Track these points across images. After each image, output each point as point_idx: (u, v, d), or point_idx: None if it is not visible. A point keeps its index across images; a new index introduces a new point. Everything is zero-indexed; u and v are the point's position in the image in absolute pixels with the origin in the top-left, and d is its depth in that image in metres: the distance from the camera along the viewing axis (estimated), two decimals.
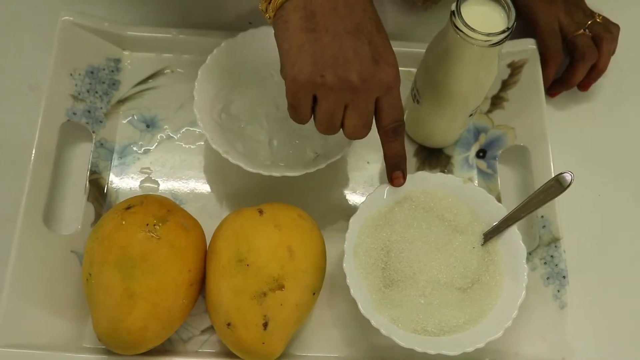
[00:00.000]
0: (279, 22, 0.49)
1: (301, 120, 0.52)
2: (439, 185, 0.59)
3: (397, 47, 0.68)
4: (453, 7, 0.52)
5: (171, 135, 0.66)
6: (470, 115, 0.62)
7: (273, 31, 0.63)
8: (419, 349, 0.52)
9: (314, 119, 0.52)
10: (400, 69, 0.69)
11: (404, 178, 0.57)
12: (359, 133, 0.52)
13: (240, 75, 0.64)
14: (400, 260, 0.56)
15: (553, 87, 0.71)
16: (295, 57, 0.48)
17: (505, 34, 0.51)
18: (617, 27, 0.70)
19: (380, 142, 0.55)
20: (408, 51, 0.68)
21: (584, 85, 0.71)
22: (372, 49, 0.48)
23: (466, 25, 0.51)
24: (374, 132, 0.66)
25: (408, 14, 0.73)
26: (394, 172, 0.56)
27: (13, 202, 0.58)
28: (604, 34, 0.69)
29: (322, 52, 0.47)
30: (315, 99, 0.50)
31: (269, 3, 0.49)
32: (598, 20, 0.70)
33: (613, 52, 0.71)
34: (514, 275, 0.56)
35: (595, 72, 0.70)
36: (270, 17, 0.50)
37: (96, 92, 0.66)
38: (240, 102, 0.63)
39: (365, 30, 0.48)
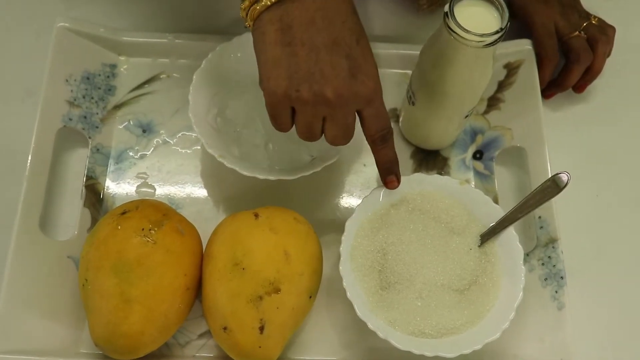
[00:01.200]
0: (257, 33, 0.48)
1: (282, 129, 0.52)
2: (435, 187, 0.59)
3: (392, 50, 0.69)
4: (446, 8, 0.52)
5: (167, 140, 0.66)
6: (466, 116, 0.62)
7: None
8: (416, 352, 0.52)
9: (295, 127, 0.52)
10: (396, 71, 0.70)
11: (398, 181, 0.57)
12: (339, 142, 0.52)
13: (235, 79, 0.64)
14: (397, 263, 0.56)
15: (548, 89, 0.71)
16: (271, 71, 0.48)
17: (499, 35, 0.51)
18: (612, 28, 0.70)
19: (366, 142, 0.54)
20: (404, 53, 0.68)
21: (579, 87, 0.71)
22: (350, 62, 0.47)
23: (459, 26, 0.51)
24: None
25: (414, 16, 0.73)
26: (387, 177, 0.56)
27: (9, 208, 0.58)
28: (600, 36, 0.69)
29: (297, 67, 0.47)
30: (294, 110, 0.50)
31: (247, 12, 0.48)
32: (593, 22, 0.70)
33: (609, 54, 0.71)
34: (511, 276, 0.56)
35: (590, 74, 0.70)
36: (249, 26, 0.49)
37: (92, 98, 0.66)
38: (236, 106, 0.63)
39: (343, 43, 0.47)
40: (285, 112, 0.50)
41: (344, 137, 0.52)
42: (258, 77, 0.64)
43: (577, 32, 0.69)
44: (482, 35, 0.51)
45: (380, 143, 0.53)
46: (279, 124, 0.51)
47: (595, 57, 0.69)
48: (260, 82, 0.49)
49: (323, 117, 0.50)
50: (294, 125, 0.52)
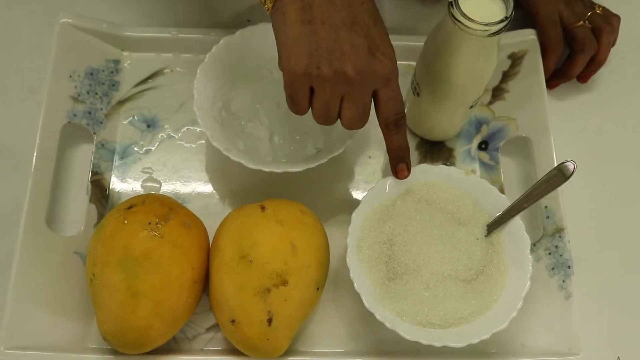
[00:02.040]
0: (277, 14, 0.49)
1: (299, 111, 0.52)
2: (441, 178, 0.59)
3: (397, 41, 0.68)
4: None
5: (172, 134, 0.66)
6: (471, 107, 0.62)
7: (271, 28, 0.64)
8: (424, 342, 0.52)
9: (312, 110, 0.52)
10: (400, 62, 0.69)
11: (408, 170, 0.57)
12: (356, 124, 0.52)
13: (239, 72, 0.64)
14: (403, 254, 0.56)
15: (552, 79, 0.71)
16: (292, 49, 0.48)
17: (504, 24, 0.51)
18: (617, 18, 0.70)
19: (382, 135, 0.55)
20: (408, 45, 0.68)
21: (584, 77, 0.71)
22: (369, 41, 0.48)
23: (464, 15, 0.51)
24: (374, 126, 0.67)
25: (418, 7, 0.73)
26: (398, 165, 0.56)
27: (16, 205, 0.58)
28: (604, 26, 0.69)
29: (317, 45, 0.47)
30: (312, 91, 0.50)
31: None
32: (598, 11, 0.70)
33: (613, 44, 0.70)
34: (518, 266, 0.56)
35: (594, 63, 0.70)
36: (268, 9, 0.50)
37: (96, 94, 0.66)
38: (240, 99, 0.63)
39: (362, 23, 0.48)
40: (303, 92, 0.50)
41: (361, 118, 0.52)
42: (262, 70, 0.64)
43: (581, 22, 0.69)
44: (487, 24, 0.51)
45: (394, 128, 0.53)
46: (297, 105, 0.51)
47: (600, 46, 0.69)
48: (280, 61, 0.49)
49: (341, 96, 0.50)
50: (309, 109, 0.52)
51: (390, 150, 0.56)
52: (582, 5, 0.70)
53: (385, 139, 0.55)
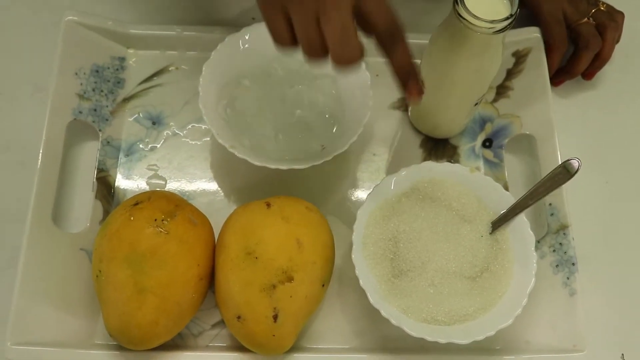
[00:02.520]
0: None
1: (281, 41, 0.47)
2: (445, 175, 0.59)
3: None
4: None
5: (177, 131, 0.67)
6: (476, 104, 0.62)
7: None
8: (429, 338, 0.52)
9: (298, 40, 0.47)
10: None
11: (418, 91, 0.48)
12: (342, 51, 0.45)
13: (244, 70, 0.64)
14: (408, 250, 0.56)
15: (557, 76, 0.71)
16: None
17: (509, 21, 0.51)
18: (621, 14, 0.70)
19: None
20: (413, 42, 0.67)
21: (588, 74, 0.71)
22: None
23: (469, 12, 0.51)
24: (377, 124, 0.67)
25: (422, 4, 0.73)
26: (405, 86, 0.48)
27: (22, 202, 0.58)
28: (608, 22, 0.69)
29: None
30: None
31: None
32: (602, 8, 0.70)
33: (618, 40, 0.70)
34: (523, 263, 0.56)
35: (599, 60, 0.70)
36: None
37: (102, 91, 0.66)
38: (245, 97, 0.63)
39: None
40: (277, 17, 0.46)
41: (343, 40, 0.45)
42: (267, 68, 0.64)
43: (585, 19, 0.69)
44: (492, 22, 0.51)
45: (390, 42, 0.47)
46: (276, 32, 0.47)
47: (604, 43, 0.69)
48: None
49: (315, 16, 0.45)
50: (292, 41, 0.48)
51: (394, 70, 0.48)
52: (586, 2, 0.70)
53: (387, 60, 0.48)
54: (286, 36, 0.47)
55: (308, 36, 0.46)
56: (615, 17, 0.69)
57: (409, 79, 0.48)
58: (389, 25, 0.47)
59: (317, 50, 0.47)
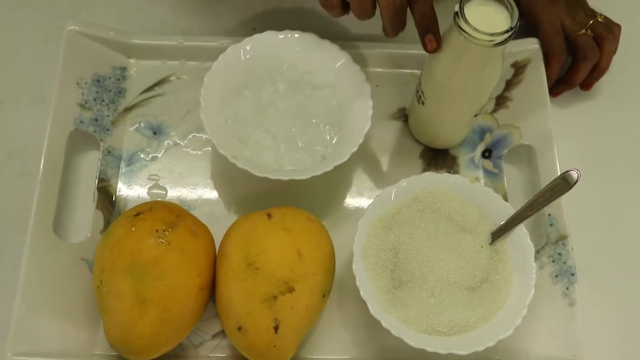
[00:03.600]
0: None
1: (333, 9, 0.57)
2: (446, 186, 0.59)
3: (402, 49, 0.69)
4: (456, 8, 0.52)
5: (178, 141, 0.67)
6: (475, 115, 0.62)
7: (277, 36, 0.64)
8: (430, 349, 0.52)
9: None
10: (405, 71, 0.71)
11: (438, 42, 0.56)
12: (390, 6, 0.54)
13: (245, 80, 0.64)
14: (409, 261, 0.56)
15: (556, 87, 0.71)
16: None
17: (509, 34, 0.52)
18: (618, 26, 0.71)
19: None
20: (413, 53, 0.69)
21: (587, 84, 0.71)
22: None
23: (470, 25, 0.51)
24: (377, 132, 0.67)
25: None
26: (425, 36, 0.55)
27: (23, 211, 0.58)
28: (606, 34, 0.69)
29: None
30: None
31: None
32: (600, 19, 0.70)
33: (615, 51, 0.71)
34: (522, 273, 0.56)
35: (597, 71, 0.70)
36: None
37: (103, 101, 0.67)
38: (247, 107, 0.63)
39: None
40: None
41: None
42: (268, 78, 0.64)
43: (583, 30, 0.70)
44: (492, 35, 0.51)
45: None
46: (328, 2, 0.56)
47: (602, 54, 0.69)
48: None
49: None
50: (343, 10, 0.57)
51: (416, 21, 0.55)
52: (584, 13, 0.71)
53: (410, 10, 0.55)
54: (338, 4, 0.56)
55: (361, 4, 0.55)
56: (612, 29, 0.70)
57: (426, 32, 0.55)
58: None
59: (367, 12, 0.56)
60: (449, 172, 0.66)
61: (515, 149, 0.68)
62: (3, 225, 0.63)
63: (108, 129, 0.66)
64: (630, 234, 0.66)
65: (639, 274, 0.64)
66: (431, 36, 0.55)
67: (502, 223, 0.58)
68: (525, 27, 0.70)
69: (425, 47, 0.56)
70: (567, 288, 0.60)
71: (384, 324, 0.52)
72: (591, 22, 0.70)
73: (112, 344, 0.53)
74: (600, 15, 0.71)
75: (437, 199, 0.59)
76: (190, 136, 0.67)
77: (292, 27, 0.65)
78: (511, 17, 0.53)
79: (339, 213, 0.64)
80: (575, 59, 0.70)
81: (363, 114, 0.61)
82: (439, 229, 0.57)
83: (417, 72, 0.69)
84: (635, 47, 0.74)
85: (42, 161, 0.60)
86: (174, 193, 0.65)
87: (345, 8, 0.57)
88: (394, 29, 0.57)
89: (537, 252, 0.60)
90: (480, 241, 0.58)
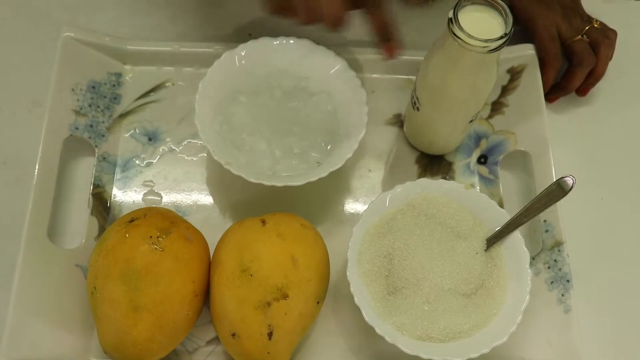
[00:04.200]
0: None
1: (272, 7, 0.56)
2: (441, 192, 0.59)
3: (397, 56, 0.69)
4: (450, 14, 0.52)
5: (173, 147, 0.67)
6: (471, 121, 0.62)
7: (273, 42, 0.64)
8: (424, 356, 0.52)
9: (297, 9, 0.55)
10: (400, 76, 0.71)
11: (397, 48, 0.57)
12: (330, 8, 0.54)
13: (240, 86, 0.64)
14: (403, 268, 0.56)
15: (551, 93, 0.71)
16: None
17: (503, 40, 0.52)
18: (614, 32, 0.71)
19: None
20: (408, 59, 0.69)
21: (583, 90, 0.71)
22: None
23: (464, 31, 0.51)
24: (373, 140, 0.67)
25: (419, 22, 0.73)
26: (384, 44, 0.57)
27: (17, 217, 0.58)
28: (602, 40, 0.69)
29: None
30: None
31: None
32: (596, 25, 0.70)
33: (611, 57, 0.71)
34: (517, 280, 0.56)
35: (593, 77, 0.70)
36: None
37: (98, 107, 0.67)
38: (241, 113, 0.63)
39: None
40: None
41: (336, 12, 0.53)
42: (263, 84, 0.64)
43: (579, 36, 0.70)
44: (486, 41, 0.51)
45: (372, 4, 0.55)
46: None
47: (598, 60, 0.69)
48: None
49: None
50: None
51: (374, 29, 0.57)
52: (580, 19, 0.71)
53: (368, 20, 0.56)
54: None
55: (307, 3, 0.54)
56: (608, 35, 0.70)
57: (384, 40, 0.57)
58: None
59: (315, 17, 0.55)
60: (445, 178, 0.66)
61: (510, 155, 0.68)
62: None
63: (103, 135, 0.66)
64: (626, 241, 0.66)
65: (635, 280, 0.64)
66: (392, 43, 0.57)
67: (497, 229, 0.58)
68: (521, 32, 0.70)
69: (386, 55, 0.58)
70: (562, 295, 0.60)
71: (378, 330, 0.52)
72: (587, 28, 0.70)
73: (106, 350, 0.53)
74: (596, 21, 0.71)
75: (432, 205, 0.59)
76: (186, 142, 0.67)
77: (288, 33, 0.65)
78: (505, 23, 0.53)
79: (334, 219, 0.64)
80: (571, 64, 0.70)
81: (358, 120, 0.61)
82: (433, 235, 0.57)
83: (413, 78, 0.69)
84: (631, 53, 0.74)
85: (37, 167, 0.60)
86: (168, 199, 0.65)
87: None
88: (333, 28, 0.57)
89: (532, 258, 0.60)
90: (475, 247, 0.57)
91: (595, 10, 0.72)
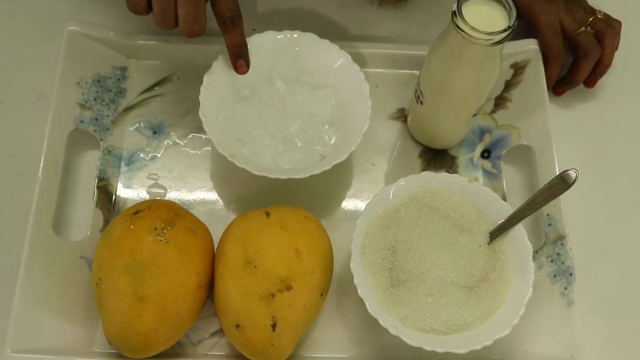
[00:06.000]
0: None
1: (137, 10, 0.57)
2: (444, 185, 0.59)
3: (400, 50, 0.70)
4: (454, 7, 0.52)
5: (178, 141, 0.67)
6: (474, 115, 0.62)
7: (277, 36, 0.65)
8: (427, 348, 0.52)
9: (153, 14, 0.57)
10: (404, 71, 0.71)
11: (247, 66, 0.63)
12: (191, 26, 0.57)
13: (244, 80, 0.64)
14: (407, 260, 0.56)
15: (559, 86, 0.71)
16: None
17: (507, 33, 0.52)
18: (618, 22, 0.70)
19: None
20: (412, 54, 0.69)
21: (590, 81, 0.71)
22: None
23: (468, 24, 0.51)
24: (377, 135, 0.67)
25: (422, 16, 0.73)
26: (238, 61, 0.62)
27: (23, 210, 0.59)
28: (606, 30, 0.69)
29: None
30: None
31: None
32: (599, 16, 0.70)
33: (616, 48, 0.71)
34: (520, 273, 0.56)
35: (600, 68, 0.70)
36: None
37: (103, 100, 0.67)
38: (245, 107, 0.63)
39: None
40: None
41: (195, 19, 0.56)
42: (267, 78, 0.65)
43: (583, 28, 0.69)
44: (490, 34, 0.51)
45: (230, 25, 0.59)
46: (134, 4, 0.57)
47: (604, 50, 0.69)
48: None
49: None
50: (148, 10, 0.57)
51: (229, 47, 0.61)
52: (583, 11, 0.70)
53: (224, 37, 0.61)
54: (143, 6, 0.57)
55: (165, 13, 0.56)
56: (612, 25, 0.70)
57: (239, 58, 0.62)
58: (231, 10, 0.59)
59: (169, 22, 0.57)
60: (448, 172, 0.66)
61: (514, 150, 0.68)
62: (3, 224, 0.63)
63: (108, 129, 0.66)
64: (629, 235, 0.66)
65: (638, 274, 0.64)
66: (242, 62, 0.62)
67: (500, 222, 0.58)
68: (525, 27, 0.70)
69: (236, 70, 0.63)
70: (565, 288, 0.60)
71: (381, 322, 0.53)
72: (591, 19, 0.70)
73: (111, 341, 0.54)
74: (600, 12, 0.70)
75: (435, 198, 0.59)
76: (190, 136, 0.67)
77: (292, 27, 0.65)
78: (509, 16, 0.53)
79: (338, 212, 0.64)
80: (577, 57, 0.69)
81: (362, 113, 0.62)
82: (437, 228, 0.57)
83: (416, 72, 0.69)
84: (635, 46, 0.74)
85: (42, 160, 0.60)
86: (173, 192, 0.65)
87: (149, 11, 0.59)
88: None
89: (535, 252, 0.60)
90: (478, 240, 0.58)
91: (599, 1, 0.72)
